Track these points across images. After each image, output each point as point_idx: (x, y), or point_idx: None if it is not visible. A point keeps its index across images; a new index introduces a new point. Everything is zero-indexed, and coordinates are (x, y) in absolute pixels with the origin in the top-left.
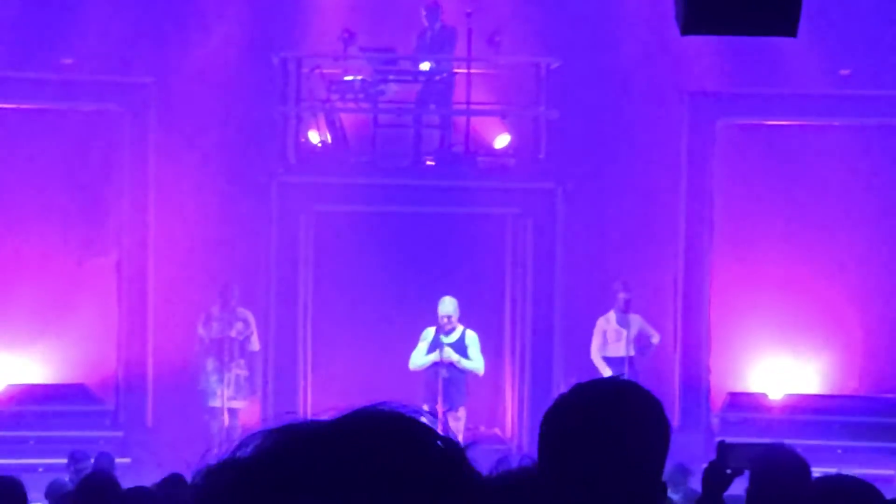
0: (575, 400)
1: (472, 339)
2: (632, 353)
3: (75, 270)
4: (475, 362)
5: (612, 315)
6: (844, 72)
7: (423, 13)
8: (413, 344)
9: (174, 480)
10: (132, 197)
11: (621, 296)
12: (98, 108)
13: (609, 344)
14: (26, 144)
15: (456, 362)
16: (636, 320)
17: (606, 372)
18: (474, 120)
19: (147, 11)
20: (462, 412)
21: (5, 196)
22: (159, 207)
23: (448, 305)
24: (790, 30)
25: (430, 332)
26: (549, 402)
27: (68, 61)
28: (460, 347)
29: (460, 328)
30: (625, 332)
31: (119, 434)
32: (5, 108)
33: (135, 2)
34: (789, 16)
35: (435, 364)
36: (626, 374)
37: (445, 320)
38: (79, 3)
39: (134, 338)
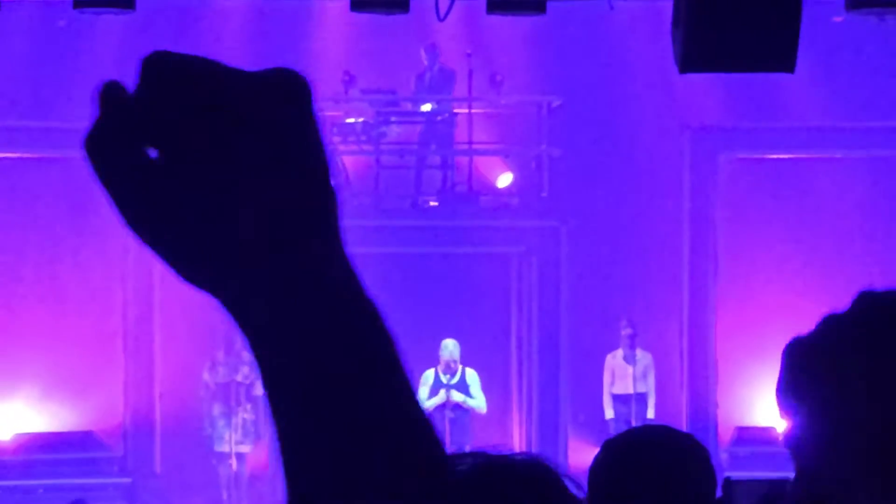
0: (624, 449)
1: (472, 377)
2: (641, 389)
3: (82, 317)
4: (478, 400)
5: (619, 352)
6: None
7: (423, 54)
8: (415, 384)
9: None
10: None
11: (625, 332)
12: None
13: (616, 381)
14: (30, 192)
15: (462, 402)
16: (644, 357)
17: (607, 412)
18: (477, 159)
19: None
20: None
21: (12, 241)
22: None
23: (452, 348)
24: (788, 66)
25: (429, 374)
26: (556, 440)
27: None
28: (462, 387)
29: (460, 368)
30: (630, 369)
31: (127, 480)
32: (16, 157)
33: (141, 48)
34: (787, 52)
35: (440, 406)
36: (634, 412)
37: (452, 364)
38: (88, 53)
39: (141, 384)
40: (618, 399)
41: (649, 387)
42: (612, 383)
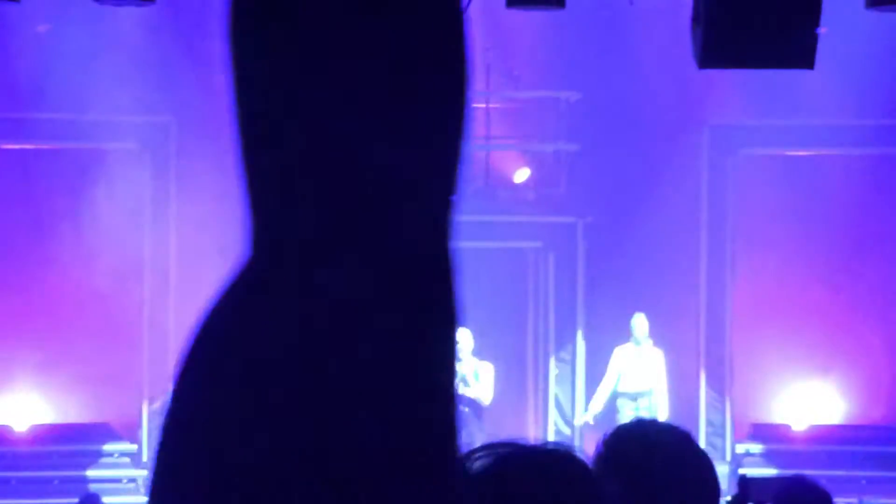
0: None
1: (484, 370)
2: (646, 387)
3: (99, 308)
4: (479, 390)
5: (628, 347)
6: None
7: None
8: None
9: None
10: (154, 234)
11: (634, 327)
12: (119, 146)
13: (624, 377)
14: (50, 183)
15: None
16: (652, 354)
17: (594, 405)
18: (494, 154)
19: (165, 56)
20: None
21: (32, 234)
22: (180, 244)
23: (462, 338)
24: (807, 62)
25: None
26: (572, 436)
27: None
28: (472, 379)
29: (473, 360)
30: (636, 366)
31: (143, 473)
32: (30, 149)
33: (152, 46)
34: (806, 48)
35: None
36: (640, 409)
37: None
38: (99, 49)
39: (157, 377)
40: (626, 396)
41: (660, 384)
42: (621, 380)
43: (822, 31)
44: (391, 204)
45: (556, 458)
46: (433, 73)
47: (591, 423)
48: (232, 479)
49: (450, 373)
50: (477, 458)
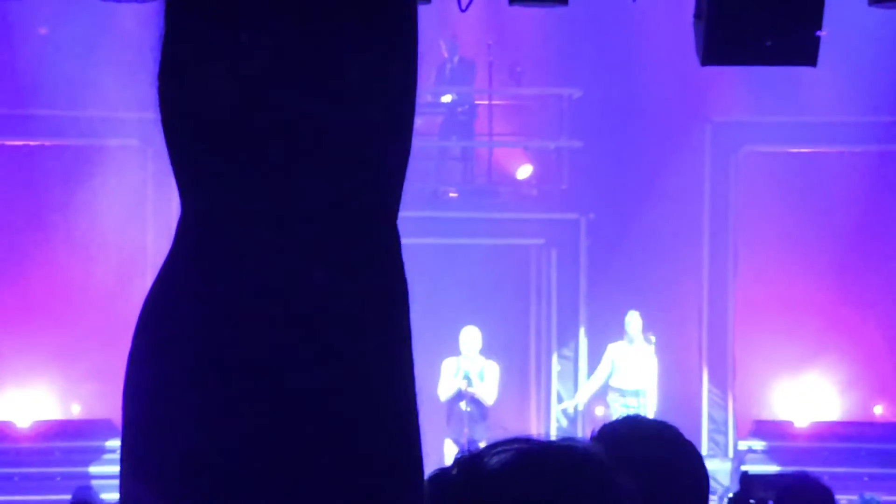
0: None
1: (490, 370)
2: (643, 384)
3: (101, 305)
4: (484, 390)
5: (621, 344)
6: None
7: (443, 45)
8: (434, 374)
9: None
10: (155, 230)
11: (628, 325)
12: (121, 143)
13: (616, 374)
14: (52, 179)
15: (465, 389)
16: (645, 352)
17: (579, 396)
18: (496, 151)
19: None
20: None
21: (33, 231)
22: None
23: (471, 335)
24: (810, 59)
25: (449, 363)
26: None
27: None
28: (477, 377)
29: (481, 359)
30: (628, 363)
31: None
32: (32, 146)
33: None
34: (809, 45)
35: (458, 398)
36: (633, 407)
37: (465, 348)
38: (100, 45)
39: None
40: (617, 392)
41: (650, 382)
42: (614, 376)
43: (822, 33)
44: (324, 163)
45: (573, 453)
46: (370, 30)
47: (570, 412)
48: (181, 465)
49: (400, 354)
50: (494, 455)
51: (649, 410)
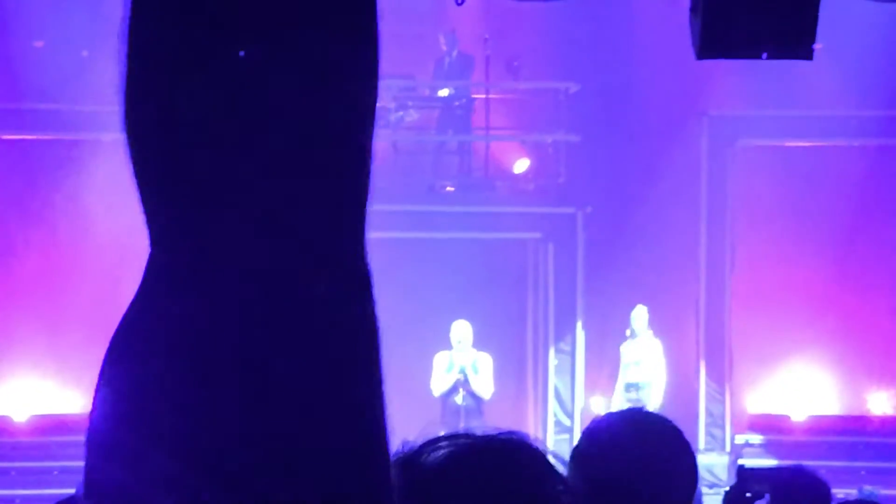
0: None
1: (484, 362)
2: (646, 378)
3: (99, 298)
4: (481, 384)
5: (628, 342)
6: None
7: (442, 40)
8: (429, 369)
9: None
10: None
11: (633, 319)
12: (117, 138)
13: (625, 369)
14: (51, 173)
15: (463, 381)
16: (650, 345)
17: (616, 400)
18: (493, 145)
19: None
20: None
21: (32, 225)
22: None
23: (462, 329)
24: (805, 53)
25: (441, 357)
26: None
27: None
28: (471, 371)
29: (473, 352)
30: (637, 357)
31: None
32: (31, 140)
33: None
34: (805, 39)
35: (453, 392)
36: (638, 401)
37: (457, 342)
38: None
39: None
40: (628, 386)
41: (658, 376)
42: (624, 371)
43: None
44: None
45: (511, 448)
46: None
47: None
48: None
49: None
50: (432, 451)
51: (654, 403)
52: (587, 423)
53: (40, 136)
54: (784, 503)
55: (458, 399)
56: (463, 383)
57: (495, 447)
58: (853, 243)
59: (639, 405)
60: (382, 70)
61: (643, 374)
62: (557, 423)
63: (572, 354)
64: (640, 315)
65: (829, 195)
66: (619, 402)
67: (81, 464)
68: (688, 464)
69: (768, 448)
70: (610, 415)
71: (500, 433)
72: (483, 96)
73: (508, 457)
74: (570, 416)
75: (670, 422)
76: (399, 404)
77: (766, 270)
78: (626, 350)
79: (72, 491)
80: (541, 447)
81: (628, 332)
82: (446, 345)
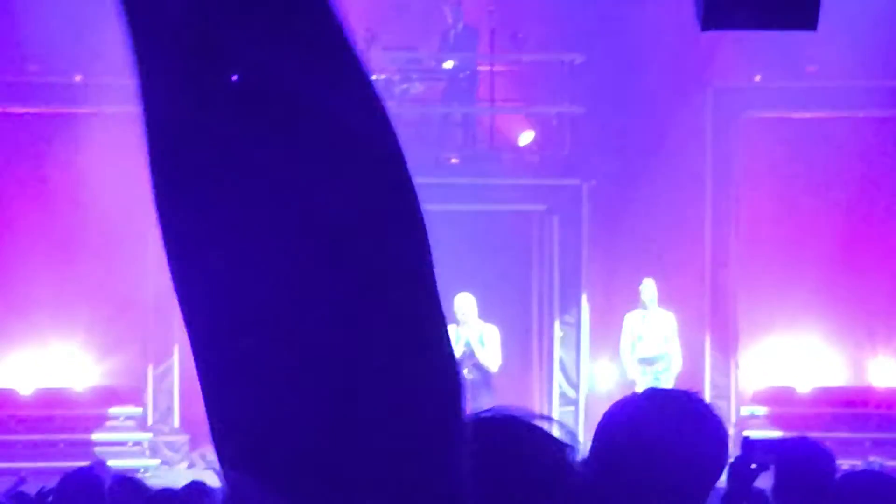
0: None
1: (490, 334)
2: (660, 351)
3: (103, 273)
4: (487, 355)
5: (637, 312)
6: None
7: (447, 11)
8: None
9: (198, 488)
10: None
11: (642, 292)
12: (120, 110)
13: (636, 344)
14: (52, 146)
15: (469, 352)
16: (662, 318)
17: (631, 371)
18: (498, 117)
19: None
20: None
21: (34, 199)
22: None
23: (465, 302)
24: (810, 23)
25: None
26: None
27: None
28: (478, 344)
29: (480, 324)
30: (648, 330)
31: (148, 436)
32: (32, 113)
33: None
34: (809, 9)
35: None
36: (656, 373)
37: (461, 315)
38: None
39: (161, 341)
40: (641, 362)
41: (672, 348)
42: (634, 345)
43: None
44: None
45: (502, 423)
46: None
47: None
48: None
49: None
50: None
51: (672, 373)
52: (592, 395)
53: (42, 110)
54: (789, 474)
55: (465, 373)
56: (468, 356)
57: (479, 425)
58: (860, 214)
59: (661, 377)
60: (387, 42)
61: (656, 347)
62: (562, 395)
63: (577, 327)
64: (648, 288)
65: (834, 166)
66: (633, 375)
67: (86, 436)
68: (711, 452)
69: (773, 420)
70: (634, 395)
71: (481, 412)
72: (488, 68)
73: (504, 431)
74: (576, 388)
75: (700, 402)
76: None
77: (772, 242)
78: (635, 322)
79: (77, 464)
80: (542, 419)
81: (640, 305)
82: (451, 317)
